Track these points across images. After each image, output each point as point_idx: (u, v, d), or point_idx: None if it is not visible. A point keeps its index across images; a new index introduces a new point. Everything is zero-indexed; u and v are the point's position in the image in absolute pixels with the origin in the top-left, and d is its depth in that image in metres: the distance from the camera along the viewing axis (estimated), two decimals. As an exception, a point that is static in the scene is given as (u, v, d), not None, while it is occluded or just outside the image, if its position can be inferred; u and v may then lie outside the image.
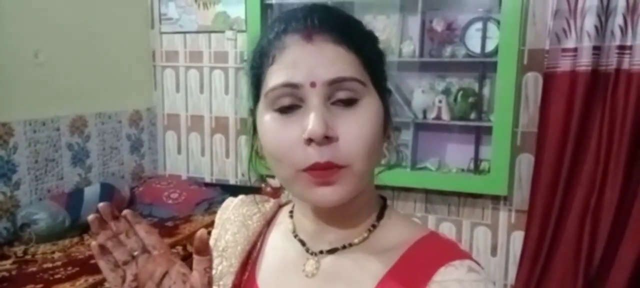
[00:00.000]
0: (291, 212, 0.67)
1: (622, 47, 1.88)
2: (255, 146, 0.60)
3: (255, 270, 0.65)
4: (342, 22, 0.55)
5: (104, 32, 2.47)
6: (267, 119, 0.54)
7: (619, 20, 1.86)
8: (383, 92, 0.57)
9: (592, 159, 1.99)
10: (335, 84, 0.52)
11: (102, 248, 0.54)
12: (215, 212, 0.75)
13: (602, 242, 2.00)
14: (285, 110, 0.53)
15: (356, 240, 0.60)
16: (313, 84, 0.51)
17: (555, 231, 2.08)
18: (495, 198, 2.29)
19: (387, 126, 0.58)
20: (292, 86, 0.52)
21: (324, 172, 0.51)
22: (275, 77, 0.53)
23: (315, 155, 0.51)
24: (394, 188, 2.42)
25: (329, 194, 0.53)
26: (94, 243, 0.54)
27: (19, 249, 1.91)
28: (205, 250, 0.54)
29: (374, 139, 0.54)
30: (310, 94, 0.51)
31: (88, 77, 2.37)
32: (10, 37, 1.99)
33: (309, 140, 0.51)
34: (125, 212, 0.55)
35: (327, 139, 0.51)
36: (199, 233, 0.54)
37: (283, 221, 0.68)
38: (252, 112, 0.59)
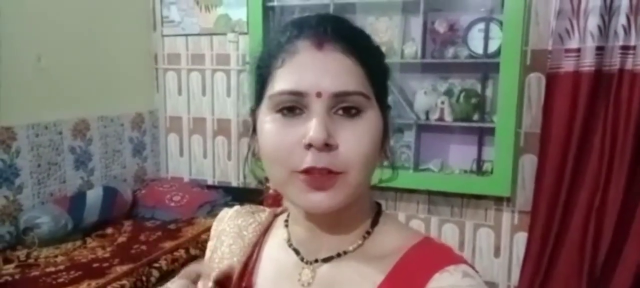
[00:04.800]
0: (286, 221, 0.67)
1: (625, 47, 1.87)
2: (253, 147, 0.60)
3: (252, 281, 0.65)
4: (353, 34, 0.56)
5: (106, 35, 2.47)
6: (268, 120, 0.55)
7: (622, 20, 1.85)
8: (384, 107, 0.58)
9: (596, 160, 1.98)
10: (340, 96, 0.52)
11: None
12: (217, 215, 0.75)
13: (606, 243, 1.98)
14: (287, 113, 0.53)
15: (351, 248, 0.60)
16: (319, 94, 0.52)
17: (558, 232, 2.07)
18: (498, 200, 2.28)
19: (385, 141, 0.59)
20: (298, 94, 0.52)
21: (319, 177, 0.52)
22: (282, 82, 0.53)
23: (312, 159, 0.51)
24: (396, 190, 2.41)
25: (322, 200, 0.53)
26: None
27: (21, 253, 1.92)
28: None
29: (372, 150, 0.54)
30: (315, 103, 0.52)
31: (90, 81, 2.38)
32: (12, 41, 2.00)
33: (309, 145, 0.51)
34: None
35: (327, 146, 0.51)
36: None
37: (278, 230, 0.68)
38: (254, 112, 0.59)
